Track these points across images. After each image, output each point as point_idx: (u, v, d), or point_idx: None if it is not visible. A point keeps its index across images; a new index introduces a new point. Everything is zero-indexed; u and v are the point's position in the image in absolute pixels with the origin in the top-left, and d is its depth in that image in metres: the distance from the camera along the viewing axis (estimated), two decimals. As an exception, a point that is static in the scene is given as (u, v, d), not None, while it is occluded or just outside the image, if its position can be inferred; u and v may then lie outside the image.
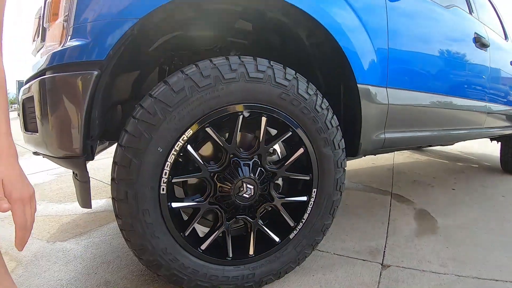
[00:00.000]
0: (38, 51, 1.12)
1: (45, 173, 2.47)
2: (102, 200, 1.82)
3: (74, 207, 1.71)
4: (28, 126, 1.03)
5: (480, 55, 1.79)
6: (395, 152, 3.54)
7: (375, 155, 1.47)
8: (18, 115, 1.09)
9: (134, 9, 0.75)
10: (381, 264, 1.19)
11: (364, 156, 1.27)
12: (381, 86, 1.12)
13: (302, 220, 0.99)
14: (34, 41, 1.20)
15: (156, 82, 1.16)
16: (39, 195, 1.95)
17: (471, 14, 1.96)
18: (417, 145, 1.61)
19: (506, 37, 2.63)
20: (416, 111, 1.32)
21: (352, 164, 2.88)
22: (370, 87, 1.07)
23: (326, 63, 1.11)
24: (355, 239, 1.39)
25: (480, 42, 1.79)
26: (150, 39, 0.99)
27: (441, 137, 1.57)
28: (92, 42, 0.74)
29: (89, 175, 0.85)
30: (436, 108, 1.45)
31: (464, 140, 2.15)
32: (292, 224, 0.99)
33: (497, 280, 1.11)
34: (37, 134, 0.86)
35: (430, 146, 2.02)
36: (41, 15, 1.05)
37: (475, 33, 1.79)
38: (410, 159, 3.39)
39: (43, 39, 1.04)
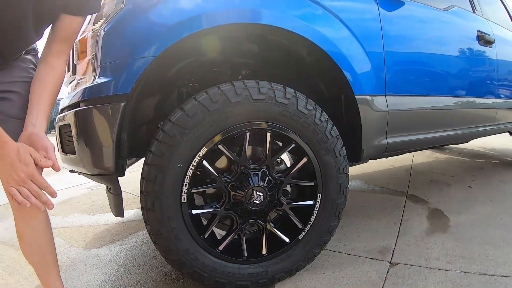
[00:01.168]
0: (70, 83, 1.30)
1: (79, 188, 2.71)
2: (132, 210, 2.00)
3: (107, 218, 1.90)
4: (65, 148, 1.21)
5: (484, 52, 1.83)
6: (415, 152, 3.54)
7: (379, 159, 1.55)
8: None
9: (150, 49, 0.90)
10: (389, 262, 1.27)
11: (369, 160, 1.36)
12: (380, 95, 1.22)
13: (310, 222, 1.10)
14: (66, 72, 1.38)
15: (176, 103, 1.31)
16: (73, 207, 2.17)
17: (475, 12, 2.00)
18: (423, 147, 1.67)
19: None
20: (418, 115, 1.40)
21: (370, 167, 2.94)
22: (368, 97, 1.17)
23: (327, 76, 1.22)
24: (366, 239, 1.48)
25: (484, 40, 1.82)
26: (167, 68, 1.15)
27: (448, 137, 1.62)
28: (117, 78, 0.90)
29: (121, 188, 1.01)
30: (440, 110, 1.51)
31: (476, 138, 2.16)
32: (300, 226, 1.10)
33: (504, 276, 1.16)
34: (75, 155, 1.02)
35: (443, 145, 2.04)
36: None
37: (478, 31, 1.82)
38: (429, 158, 3.38)
39: (73, 73, 1.22)
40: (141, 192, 0.93)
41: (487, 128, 1.98)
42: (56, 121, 1.23)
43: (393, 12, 1.31)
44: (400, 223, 1.67)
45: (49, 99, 0.82)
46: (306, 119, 0.99)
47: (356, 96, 1.12)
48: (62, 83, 0.87)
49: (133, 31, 0.93)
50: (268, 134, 0.98)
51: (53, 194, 0.75)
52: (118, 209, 1.00)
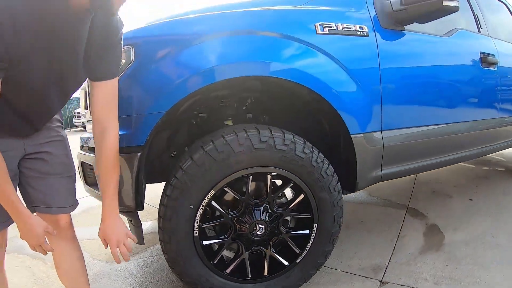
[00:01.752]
0: (88, 121, 1.45)
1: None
2: (148, 222, 2.19)
3: None
4: (87, 180, 1.39)
5: (486, 74, 1.88)
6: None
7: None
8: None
9: (161, 104, 1.04)
10: (380, 281, 1.40)
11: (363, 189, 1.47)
12: (376, 131, 1.32)
13: (306, 248, 1.24)
14: (85, 109, 1.52)
15: (186, 134, 1.45)
16: (93, 218, 2.37)
17: (480, 31, 2.03)
18: (418, 173, 1.76)
19: None
20: (414, 145, 1.49)
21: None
22: (363, 135, 1.28)
23: (327, 116, 1.33)
24: (362, 257, 1.61)
25: (486, 62, 1.87)
26: (178, 107, 1.28)
27: (445, 162, 1.71)
28: (132, 133, 1.05)
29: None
30: (437, 138, 1.60)
31: (475, 158, 2.21)
32: (298, 251, 1.25)
33: None
34: (98, 192, 1.18)
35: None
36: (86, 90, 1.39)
37: (481, 53, 1.86)
38: (435, 163, 3.44)
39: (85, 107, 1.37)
40: (159, 228, 1.09)
41: (488, 147, 2.05)
42: (78, 155, 1.38)
43: (391, 48, 1.39)
44: (397, 239, 1.79)
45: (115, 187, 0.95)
46: (303, 162, 1.12)
47: (351, 136, 1.24)
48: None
49: (143, 86, 1.07)
50: (269, 177, 1.11)
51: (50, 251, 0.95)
52: (139, 238, 1.17)
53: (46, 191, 0.97)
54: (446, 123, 1.63)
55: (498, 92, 2.01)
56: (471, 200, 2.37)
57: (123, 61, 1.08)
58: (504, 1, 2.74)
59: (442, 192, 2.57)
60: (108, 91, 0.90)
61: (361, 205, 2.39)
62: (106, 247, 0.96)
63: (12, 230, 0.98)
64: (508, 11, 2.74)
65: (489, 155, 3.76)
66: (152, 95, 1.05)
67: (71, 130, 14.34)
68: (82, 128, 12.45)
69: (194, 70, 1.06)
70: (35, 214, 0.93)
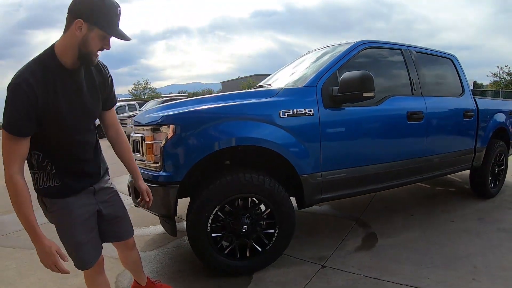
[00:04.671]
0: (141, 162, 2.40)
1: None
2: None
3: (149, 230, 3.08)
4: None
5: (412, 126, 2.78)
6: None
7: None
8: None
9: (191, 159, 2.00)
10: (322, 266, 2.33)
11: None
12: (317, 172, 2.27)
13: (272, 240, 2.19)
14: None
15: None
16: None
17: (413, 93, 2.94)
18: (354, 196, 2.68)
19: (463, 90, 3.50)
20: (345, 179, 2.43)
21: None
22: (308, 175, 2.23)
23: (284, 164, 2.26)
24: (313, 250, 2.54)
25: (413, 118, 2.78)
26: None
27: (373, 189, 2.64)
28: (174, 174, 2.01)
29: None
30: (365, 174, 2.53)
31: (401, 186, 3.08)
32: (267, 242, 2.19)
33: (389, 282, 2.13)
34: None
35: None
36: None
37: (408, 111, 2.77)
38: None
39: (136, 151, 2.33)
40: (187, 225, 2.06)
41: (416, 178, 2.97)
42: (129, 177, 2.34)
43: (328, 120, 2.33)
44: (342, 241, 2.71)
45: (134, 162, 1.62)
46: (269, 191, 2.08)
47: (299, 175, 2.19)
48: None
49: (179, 147, 2.03)
50: (249, 199, 2.07)
51: (67, 273, 1.25)
52: (173, 232, 2.13)
53: (117, 230, 1.55)
54: (372, 164, 2.56)
55: (424, 138, 2.92)
56: (412, 215, 3.27)
57: (169, 135, 2.04)
58: (451, 57, 3.63)
59: (392, 207, 3.48)
60: (114, 111, 1.57)
61: (323, 216, 3.35)
62: (139, 196, 1.62)
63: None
64: (453, 66, 3.63)
65: (449, 176, 4.66)
66: (185, 153, 2.02)
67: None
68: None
69: (209, 141, 2.03)
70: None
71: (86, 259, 1.42)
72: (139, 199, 1.68)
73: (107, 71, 1.43)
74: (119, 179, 4.13)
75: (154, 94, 41.49)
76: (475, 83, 27.87)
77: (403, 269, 2.23)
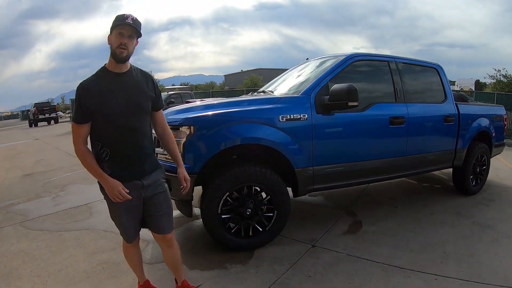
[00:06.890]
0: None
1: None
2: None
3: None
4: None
5: (394, 130, 3.32)
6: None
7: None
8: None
9: (206, 154, 2.55)
10: (312, 245, 2.87)
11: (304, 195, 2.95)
12: (309, 166, 2.81)
13: (271, 222, 2.74)
14: None
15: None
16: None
17: (396, 100, 3.46)
18: (343, 187, 3.23)
19: (446, 97, 4.00)
20: (334, 172, 2.97)
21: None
22: (301, 169, 2.78)
23: (283, 159, 2.80)
24: (305, 233, 3.09)
25: (394, 123, 3.31)
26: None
27: (361, 182, 3.18)
28: (192, 165, 2.56)
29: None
30: (351, 169, 3.07)
31: (386, 181, 3.62)
32: (267, 224, 2.74)
33: (368, 260, 2.67)
34: (171, 190, 2.69)
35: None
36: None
37: (391, 116, 3.30)
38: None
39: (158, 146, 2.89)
40: (201, 208, 2.60)
41: (398, 174, 3.51)
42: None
43: (319, 123, 2.87)
44: (331, 226, 3.25)
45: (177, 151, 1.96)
46: (270, 181, 2.62)
47: (295, 169, 2.73)
48: None
49: (197, 144, 2.57)
50: (253, 188, 2.61)
51: (129, 198, 1.66)
52: (189, 214, 2.68)
53: (156, 224, 1.83)
54: (358, 161, 3.10)
55: (405, 139, 3.44)
56: (396, 207, 3.80)
57: (187, 133, 2.57)
58: (436, 67, 4.13)
59: (379, 200, 4.02)
60: (162, 113, 1.92)
61: (316, 205, 3.90)
62: (182, 184, 1.90)
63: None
64: (438, 75, 4.13)
65: (435, 172, 5.17)
66: (201, 149, 2.56)
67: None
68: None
69: (212, 141, 2.56)
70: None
71: (126, 238, 1.88)
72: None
73: (151, 79, 1.83)
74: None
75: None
76: (477, 82, 28.00)
77: (382, 251, 2.75)
